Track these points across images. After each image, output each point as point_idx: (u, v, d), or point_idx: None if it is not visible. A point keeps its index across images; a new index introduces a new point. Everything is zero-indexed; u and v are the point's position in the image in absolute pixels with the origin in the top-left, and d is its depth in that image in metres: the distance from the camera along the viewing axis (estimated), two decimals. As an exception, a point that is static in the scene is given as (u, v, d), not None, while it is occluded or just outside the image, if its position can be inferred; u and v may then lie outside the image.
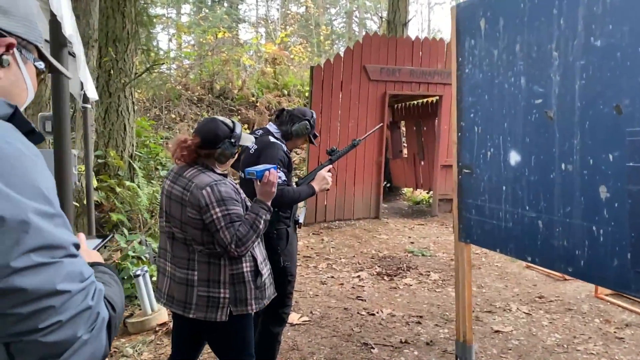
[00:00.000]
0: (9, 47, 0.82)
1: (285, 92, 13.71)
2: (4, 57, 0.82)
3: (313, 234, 6.95)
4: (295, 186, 2.79)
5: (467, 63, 2.43)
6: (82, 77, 2.25)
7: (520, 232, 2.18)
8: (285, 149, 2.72)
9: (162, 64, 5.38)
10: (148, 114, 10.25)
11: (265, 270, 2.17)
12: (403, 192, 10.87)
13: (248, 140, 2.25)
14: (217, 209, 1.95)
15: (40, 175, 0.75)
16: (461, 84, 2.49)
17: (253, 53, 17.70)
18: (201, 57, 12.61)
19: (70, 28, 1.37)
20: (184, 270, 2.04)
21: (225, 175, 2.13)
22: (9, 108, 0.78)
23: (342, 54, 7.45)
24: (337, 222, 7.62)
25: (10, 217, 0.67)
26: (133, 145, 5.80)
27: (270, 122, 2.95)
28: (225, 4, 27.14)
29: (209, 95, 12.46)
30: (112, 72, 5.44)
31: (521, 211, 2.16)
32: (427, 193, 9.82)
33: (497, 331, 3.74)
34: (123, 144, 5.65)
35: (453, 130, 2.58)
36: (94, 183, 4.71)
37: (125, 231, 4.34)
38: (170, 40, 18.15)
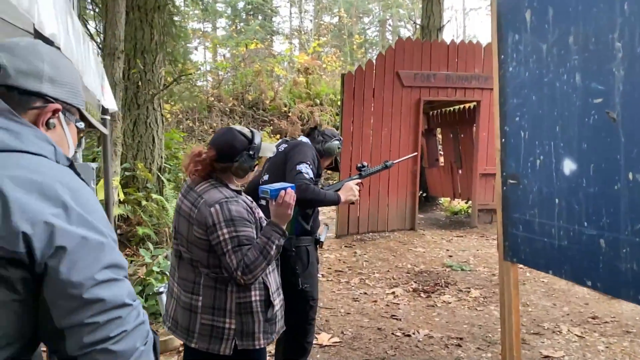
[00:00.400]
0: (55, 112, 0.97)
1: (318, 101, 13.59)
2: (51, 120, 0.97)
3: (345, 246, 6.71)
4: None
5: (510, 61, 2.17)
6: (90, 86, 2.11)
7: (577, 252, 1.89)
8: (316, 152, 2.57)
9: (190, 74, 5.28)
10: (181, 126, 10.29)
11: (278, 301, 1.95)
12: (440, 202, 10.50)
13: (268, 150, 2.06)
14: (225, 230, 1.75)
15: (101, 208, 0.92)
16: (504, 84, 2.22)
17: (286, 64, 17.73)
18: (234, 68, 12.64)
19: (53, 26, 1.21)
20: (189, 294, 1.85)
21: (239, 192, 1.94)
22: (67, 160, 0.96)
23: (374, 60, 7.22)
24: (370, 234, 7.35)
25: (92, 238, 0.84)
26: (162, 157, 5.73)
27: (302, 136, 2.81)
28: (260, 17, 27.47)
29: (241, 106, 12.46)
30: (140, 83, 5.39)
31: (578, 228, 1.87)
32: (466, 203, 9.42)
33: (546, 356, 3.40)
34: (152, 156, 5.59)
35: (496, 136, 2.31)
36: (121, 196, 4.64)
37: (151, 246, 4.22)
38: (196, 48, 18.38)
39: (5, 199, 0.78)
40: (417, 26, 11.64)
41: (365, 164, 2.72)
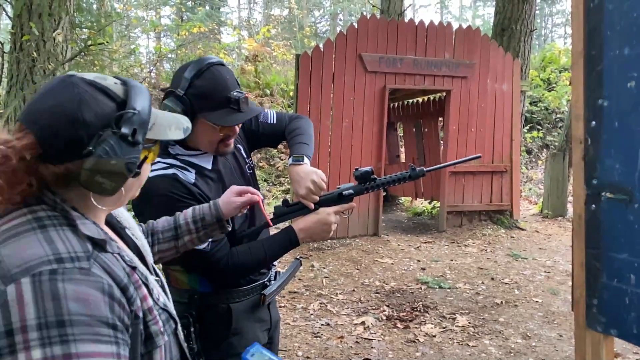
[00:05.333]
0: None
1: (268, 91, 12.48)
2: None
3: (300, 257, 5.68)
4: (263, 227, 1.54)
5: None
6: None
7: None
8: (185, 175, 1.39)
9: (101, 43, 4.08)
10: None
11: None
12: (400, 201, 9.68)
13: (171, 124, 0.97)
14: (37, 352, 0.70)
15: None
16: (599, 22, 1.26)
17: (235, 55, 16.48)
18: (173, 52, 11.31)
19: None
20: None
21: (100, 243, 0.85)
22: None
23: (333, 40, 6.22)
24: (329, 241, 6.34)
25: None
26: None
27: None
28: (207, 7, 26.06)
29: (182, 94, 11.16)
30: (36, 54, 4.14)
31: None
32: (429, 203, 8.64)
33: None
34: (52, 149, 4.31)
35: (574, 117, 1.36)
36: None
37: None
38: (127, 33, 16.90)
39: None
40: (375, 8, 10.74)
41: (369, 170, 1.48)
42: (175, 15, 23.32)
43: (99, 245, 0.84)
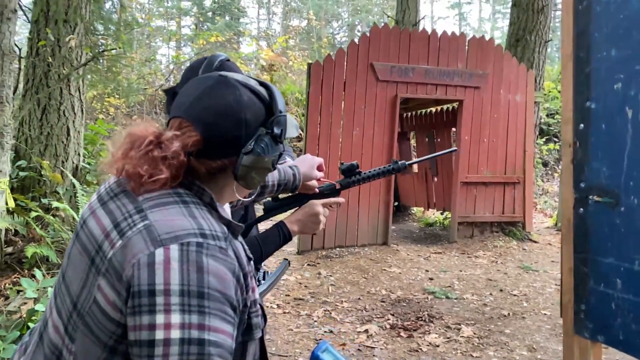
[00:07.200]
0: None
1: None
2: None
3: (308, 265, 5.68)
4: (256, 223, 1.56)
5: (604, -19, 1.20)
6: None
7: None
8: None
9: (113, 49, 4.17)
10: (123, 122, 9.07)
11: None
12: (413, 211, 9.62)
13: (294, 126, 1.07)
14: (177, 317, 0.73)
15: None
16: (587, 24, 1.25)
17: (253, 64, 16.67)
18: (191, 60, 11.48)
19: None
20: None
21: (232, 226, 0.89)
22: None
23: (345, 49, 6.25)
24: (337, 249, 6.34)
25: None
26: (80, 154, 4.54)
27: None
28: (227, 17, 26.51)
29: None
30: (51, 59, 4.24)
31: None
32: (441, 214, 8.58)
33: None
34: (65, 152, 4.40)
35: (563, 121, 1.34)
36: (11, 204, 3.48)
37: (39, 273, 3.07)
38: (149, 42, 17.24)
39: None
40: (390, 19, 10.79)
41: (355, 163, 1.52)
42: (195, 26, 23.75)
43: (234, 230, 0.88)
